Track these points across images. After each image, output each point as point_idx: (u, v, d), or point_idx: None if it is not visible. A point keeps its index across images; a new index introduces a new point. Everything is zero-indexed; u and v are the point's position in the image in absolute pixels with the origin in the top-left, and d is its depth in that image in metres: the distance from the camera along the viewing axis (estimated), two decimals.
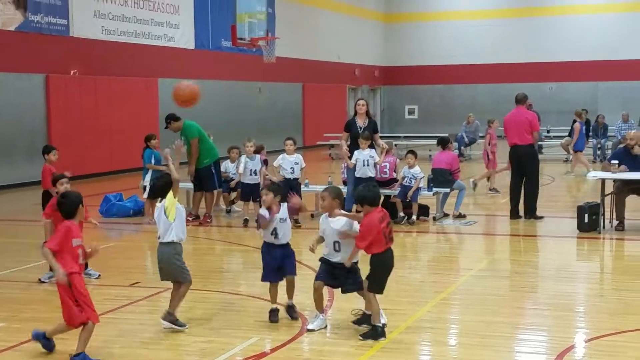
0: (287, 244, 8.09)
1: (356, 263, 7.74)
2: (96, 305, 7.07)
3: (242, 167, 14.21)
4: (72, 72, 21.95)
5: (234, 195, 15.48)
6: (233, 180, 15.09)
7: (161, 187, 7.88)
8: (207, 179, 14.50)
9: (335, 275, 7.75)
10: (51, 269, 7.43)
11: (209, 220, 14.45)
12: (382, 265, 7.57)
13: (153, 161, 14.58)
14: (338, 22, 36.32)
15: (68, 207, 7.10)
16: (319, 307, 7.82)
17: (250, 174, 14.19)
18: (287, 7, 31.47)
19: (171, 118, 14.67)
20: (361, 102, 14.35)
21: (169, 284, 8.07)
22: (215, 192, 14.96)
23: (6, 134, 20.01)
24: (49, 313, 8.22)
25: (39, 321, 7.85)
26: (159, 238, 7.83)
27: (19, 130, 20.39)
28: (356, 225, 7.62)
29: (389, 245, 7.57)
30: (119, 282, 9.92)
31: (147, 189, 14.37)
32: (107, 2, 23.19)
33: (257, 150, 14.71)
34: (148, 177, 14.51)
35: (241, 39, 21.22)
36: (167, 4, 25.59)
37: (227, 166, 15.40)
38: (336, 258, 7.70)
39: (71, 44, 21.88)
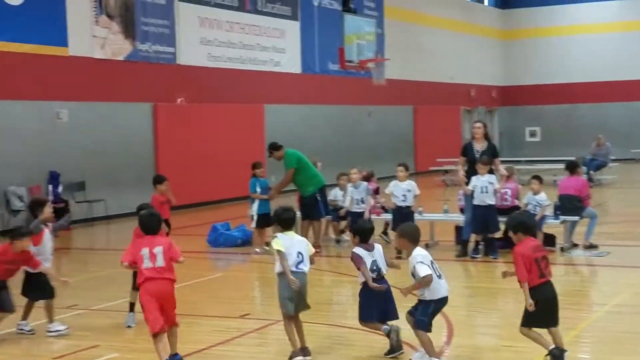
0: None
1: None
2: (206, 337, 7.70)
3: (348, 200, 13.72)
4: (178, 100, 21.87)
5: (343, 224, 14.85)
6: (342, 208, 14.46)
7: (288, 219, 7.78)
8: (312, 207, 14.20)
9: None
10: None
11: (317, 250, 13.84)
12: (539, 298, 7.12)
13: (259, 190, 14.18)
14: (451, 41, 35.35)
15: None
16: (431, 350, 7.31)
17: (357, 203, 13.74)
18: (396, 27, 30.81)
19: (272, 147, 14.55)
20: (478, 124, 13.53)
21: (278, 316, 7.84)
22: (323, 220, 14.54)
23: (114, 163, 19.99)
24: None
25: (151, 352, 7.53)
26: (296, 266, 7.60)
27: (127, 159, 20.36)
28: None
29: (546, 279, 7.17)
30: (228, 313, 9.76)
31: (255, 218, 14.07)
32: (213, 29, 23.07)
33: (367, 178, 14.20)
34: (255, 206, 14.07)
35: (349, 61, 20.71)
36: (273, 28, 25.32)
37: (335, 194, 14.81)
38: None
39: (178, 71, 21.82)
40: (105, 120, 19.85)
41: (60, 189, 18.47)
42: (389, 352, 7.64)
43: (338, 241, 14.88)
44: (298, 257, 7.59)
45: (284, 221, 7.77)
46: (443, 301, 7.38)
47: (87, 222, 18.95)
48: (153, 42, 21.06)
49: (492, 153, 13.18)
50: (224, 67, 23.43)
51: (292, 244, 7.62)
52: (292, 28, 26.29)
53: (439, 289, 7.33)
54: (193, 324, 9.04)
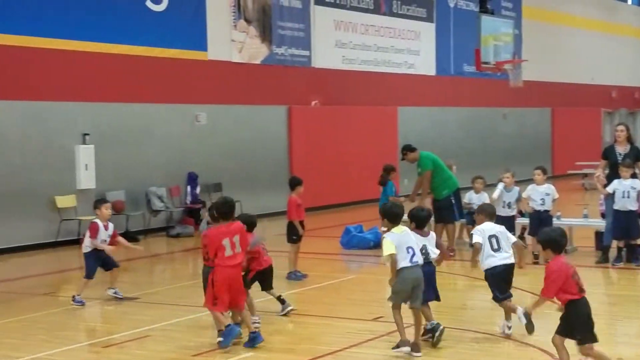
0: None
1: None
2: (338, 339, 7.69)
3: (496, 193, 13.26)
4: (313, 102, 22.05)
5: None
6: None
7: (396, 214, 7.95)
8: (447, 210, 14.05)
9: None
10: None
11: (451, 253, 13.67)
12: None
13: (391, 192, 14.25)
14: (591, 41, 34.21)
15: None
16: None
17: (504, 206, 13.18)
18: (534, 27, 30.09)
19: (407, 149, 14.49)
20: (620, 127, 13.03)
21: (411, 320, 7.84)
22: (457, 224, 14.33)
23: (251, 166, 20.37)
24: (293, 344, 8.22)
25: (287, 352, 7.65)
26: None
27: (263, 162, 20.70)
28: None
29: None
30: (360, 315, 9.70)
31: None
32: (348, 32, 23.17)
33: None
34: None
35: (485, 63, 20.36)
36: (407, 30, 25.20)
37: (470, 197, 14.53)
38: None
39: (312, 74, 22.01)
40: (242, 123, 20.25)
41: (197, 190, 18.96)
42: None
43: (472, 245, 14.58)
44: (408, 251, 7.75)
45: (393, 215, 7.92)
46: None
47: None
48: (289, 46, 21.33)
49: (635, 156, 12.66)
50: (358, 69, 23.47)
51: (401, 241, 7.77)
52: (427, 30, 26.08)
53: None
54: (327, 326, 9.06)
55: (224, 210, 8.41)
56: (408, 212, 8.33)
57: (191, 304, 10.04)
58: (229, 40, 19.92)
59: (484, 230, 8.48)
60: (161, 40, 18.37)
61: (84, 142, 16.93)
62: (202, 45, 19.25)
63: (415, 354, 7.69)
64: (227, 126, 19.93)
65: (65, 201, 16.50)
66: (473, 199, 14.41)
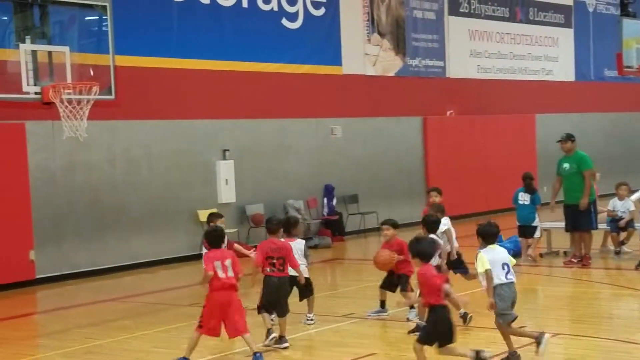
0: None
1: None
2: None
3: (635, 196, 12.82)
4: (448, 112, 21.91)
5: (623, 235, 14.08)
6: (622, 219, 13.71)
7: (492, 233, 8.03)
8: (585, 217, 13.34)
9: None
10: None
11: (588, 262, 13.31)
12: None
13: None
14: None
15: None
16: None
17: None
18: None
19: (570, 138, 13.86)
20: None
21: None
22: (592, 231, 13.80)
23: (386, 177, 20.43)
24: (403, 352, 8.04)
25: None
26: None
27: (399, 173, 20.72)
28: None
29: None
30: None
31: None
32: (483, 41, 22.94)
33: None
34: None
35: (628, 67, 19.72)
36: (545, 37, 24.71)
37: (614, 204, 14.08)
38: None
39: (447, 84, 21.89)
40: (377, 135, 20.34)
41: (334, 201, 19.16)
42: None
43: (618, 252, 14.11)
44: (503, 268, 7.76)
45: (489, 234, 7.96)
46: None
47: (359, 233, 19.47)
48: (423, 57, 21.30)
49: None
50: (494, 78, 23.17)
51: (495, 258, 7.77)
52: (566, 35, 25.48)
53: None
54: (466, 335, 8.98)
55: (210, 240, 8.76)
56: (480, 227, 8.09)
57: (330, 314, 10.14)
58: (363, 54, 20.07)
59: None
60: (297, 56, 18.70)
61: (224, 158, 17.44)
62: (336, 60, 19.49)
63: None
64: (363, 138, 20.06)
65: (207, 215, 16.98)
66: (617, 205, 13.96)
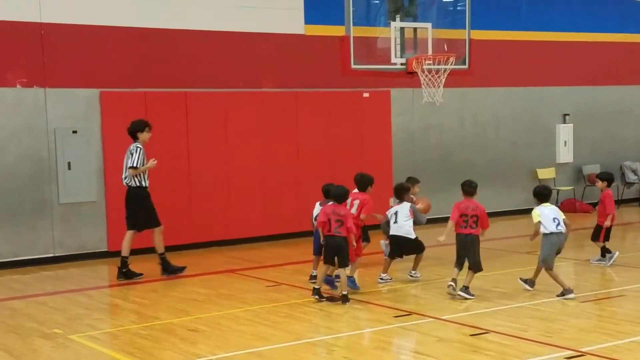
0: None
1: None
2: None
3: None
4: None
5: None
6: None
7: (544, 194, 10.31)
8: None
9: None
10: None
11: None
12: None
13: None
14: None
15: None
16: None
17: None
18: None
19: None
20: None
21: None
22: None
23: None
24: None
25: None
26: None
27: None
28: None
29: None
30: None
31: None
32: None
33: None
34: None
35: None
36: None
37: None
38: None
39: None
40: None
41: None
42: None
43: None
44: (554, 221, 9.90)
45: (541, 195, 10.16)
46: None
47: None
48: None
49: None
50: None
51: (548, 213, 9.93)
52: None
53: None
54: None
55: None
56: (535, 189, 10.36)
57: None
58: None
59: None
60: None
61: (564, 122, 18.86)
62: None
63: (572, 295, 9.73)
64: None
65: (545, 173, 18.65)
66: None
